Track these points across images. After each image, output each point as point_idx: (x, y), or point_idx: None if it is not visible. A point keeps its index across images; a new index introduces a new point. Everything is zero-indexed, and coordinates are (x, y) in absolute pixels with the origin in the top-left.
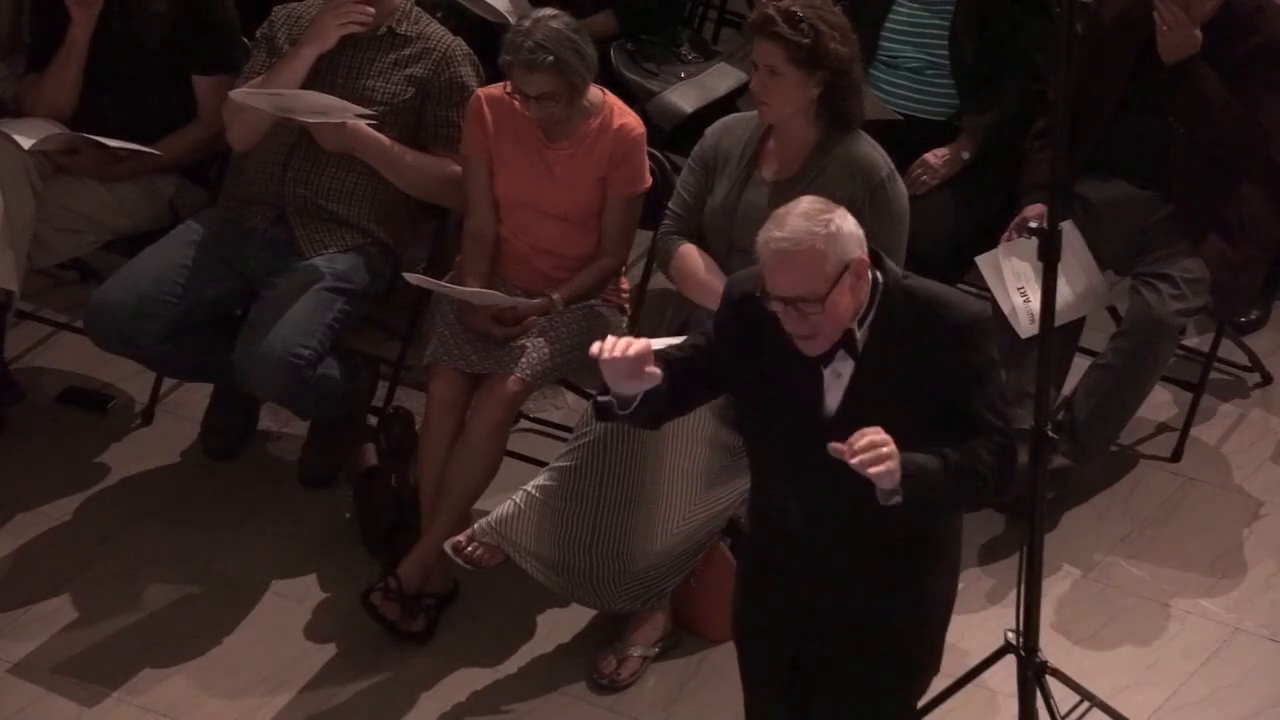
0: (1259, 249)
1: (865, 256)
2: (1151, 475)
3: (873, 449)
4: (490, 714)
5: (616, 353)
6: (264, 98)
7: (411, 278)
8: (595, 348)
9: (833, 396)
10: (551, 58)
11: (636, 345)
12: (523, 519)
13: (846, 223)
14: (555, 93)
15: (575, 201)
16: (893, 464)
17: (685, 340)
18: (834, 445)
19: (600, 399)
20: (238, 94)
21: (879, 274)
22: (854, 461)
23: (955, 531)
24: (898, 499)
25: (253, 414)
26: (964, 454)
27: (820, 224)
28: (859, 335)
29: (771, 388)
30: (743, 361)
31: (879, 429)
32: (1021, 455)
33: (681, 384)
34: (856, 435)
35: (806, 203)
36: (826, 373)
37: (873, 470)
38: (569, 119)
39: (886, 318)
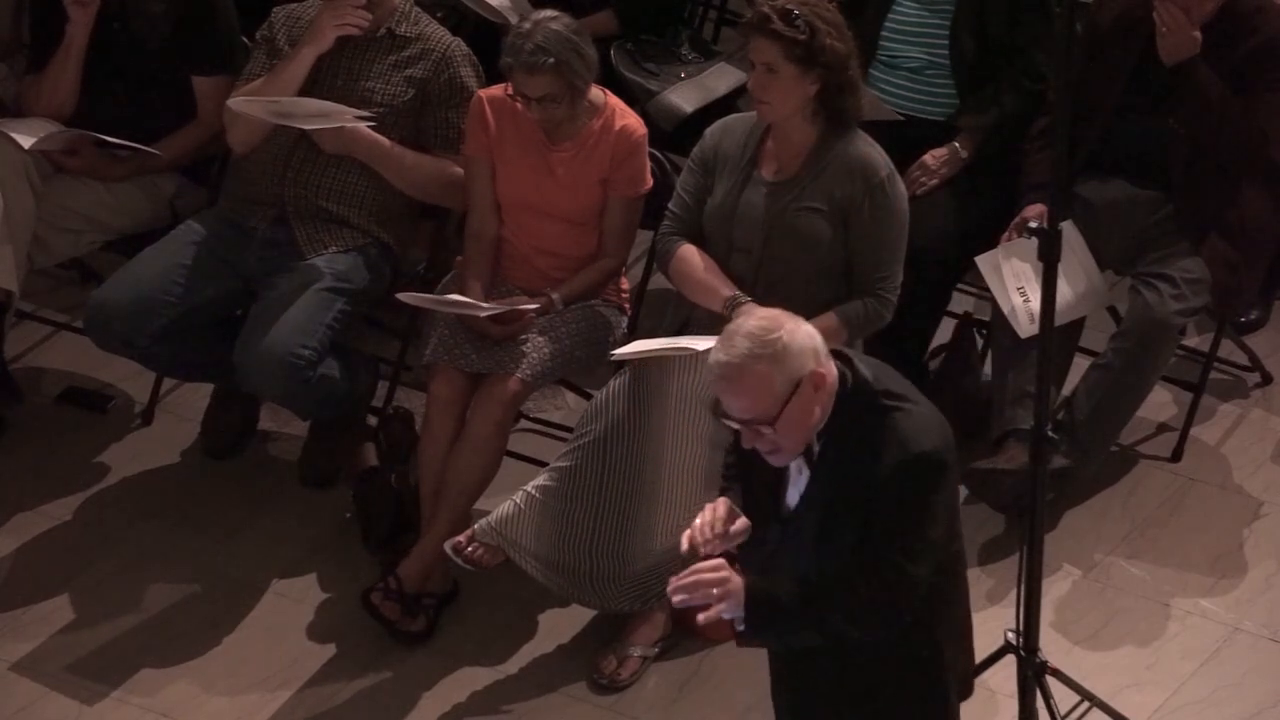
0: (1259, 249)
1: (822, 368)
2: (1151, 475)
3: (697, 587)
4: (490, 714)
5: (717, 541)
6: (261, 105)
7: (406, 297)
8: (685, 544)
9: (794, 493)
10: (552, 60)
11: (721, 518)
12: (523, 519)
13: (797, 337)
14: (556, 94)
15: (577, 202)
16: (724, 606)
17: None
18: (672, 583)
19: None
20: (235, 103)
21: (848, 374)
22: (675, 600)
23: (954, 640)
24: (741, 626)
25: (253, 414)
26: (833, 592)
27: (765, 346)
28: (814, 445)
29: (751, 472)
30: (742, 454)
31: (715, 565)
32: (1021, 455)
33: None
34: (689, 572)
35: (754, 322)
36: (793, 466)
37: (701, 617)
38: (571, 120)
39: (842, 427)
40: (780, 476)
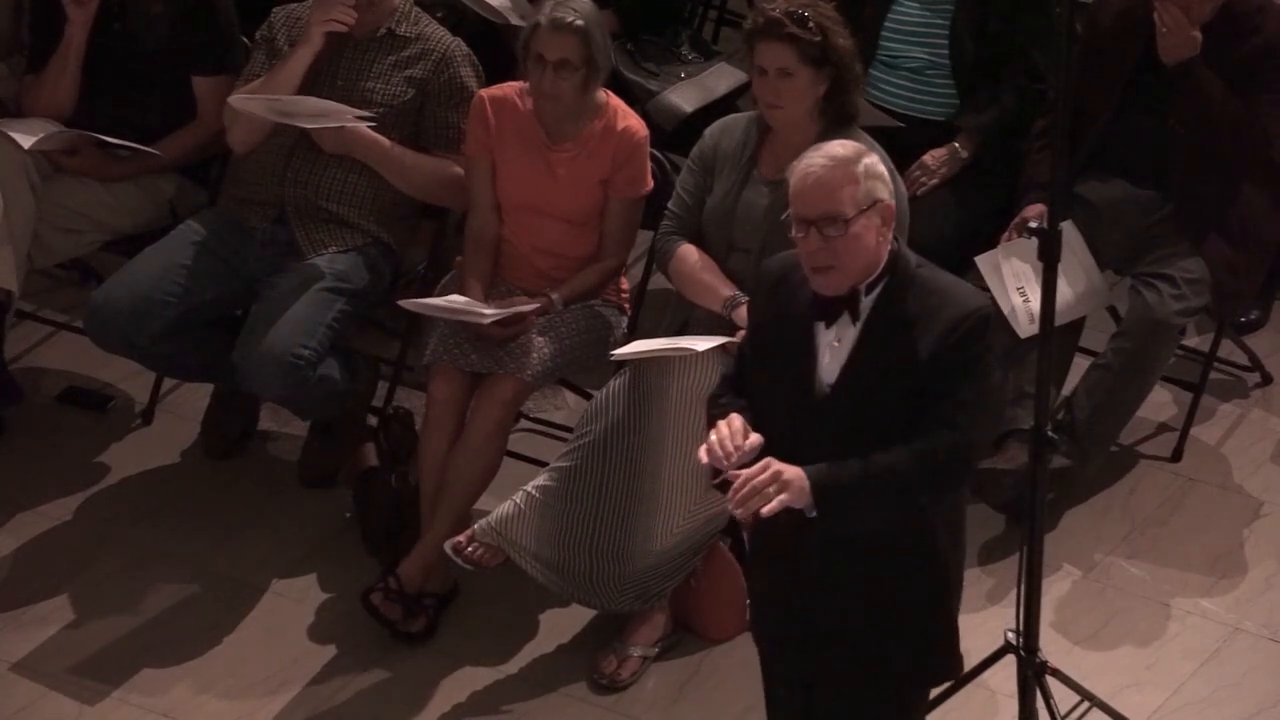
0: (1259, 249)
1: (891, 204)
2: (1151, 475)
3: (754, 493)
4: (490, 714)
5: (738, 458)
6: (261, 104)
7: (407, 303)
8: (703, 455)
9: (831, 368)
10: (582, 21)
11: (737, 430)
12: (523, 519)
13: (881, 169)
14: (575, 62)
15: (577, 203)
16: (785, 497)
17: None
18: (731, 497)
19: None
20: (235, 101)
21: (896, 243)
22: (738, 513)
23: (953, 536)
24: (813, 513)
25: (253, 414)
26: (894, 457)
27: (860, 157)
28: (864, 301)
29: (777, 360)
30: (761, 337)
31: (763, 465)
32: (1021, 455)
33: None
34: (740, 483)
35: (846, 140)
36: (827, 336)
37: (765, 509)
38: (576, 115)
39: (893, 294)
40: (812, 355)
